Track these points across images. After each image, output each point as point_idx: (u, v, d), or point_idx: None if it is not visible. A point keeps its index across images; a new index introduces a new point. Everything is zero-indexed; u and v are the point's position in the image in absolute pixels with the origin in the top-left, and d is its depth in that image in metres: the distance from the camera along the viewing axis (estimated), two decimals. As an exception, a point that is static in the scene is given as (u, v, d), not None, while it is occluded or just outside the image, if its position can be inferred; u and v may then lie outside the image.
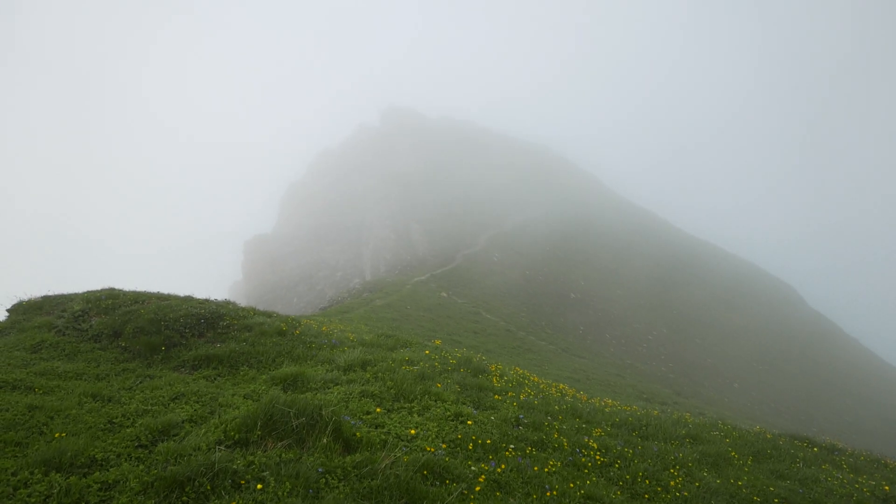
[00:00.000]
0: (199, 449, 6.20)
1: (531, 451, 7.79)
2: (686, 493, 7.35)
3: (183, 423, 7.24)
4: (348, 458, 6.37)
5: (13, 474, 5.49)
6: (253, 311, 13.81)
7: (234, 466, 5.77)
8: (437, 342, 16.58)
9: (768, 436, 11.38)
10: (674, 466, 8.27)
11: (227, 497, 5.36)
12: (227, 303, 14.31)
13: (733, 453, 9.50)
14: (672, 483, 7.59)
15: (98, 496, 5.32)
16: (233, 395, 8.67)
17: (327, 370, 10.30)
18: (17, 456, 5.98)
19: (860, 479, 9.23)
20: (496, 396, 10.15)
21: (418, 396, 9.09)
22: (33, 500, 5.17)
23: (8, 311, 12.59)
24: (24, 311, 12.40)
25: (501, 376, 12.23)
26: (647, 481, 7.53)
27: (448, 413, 8.58)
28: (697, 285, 71.61)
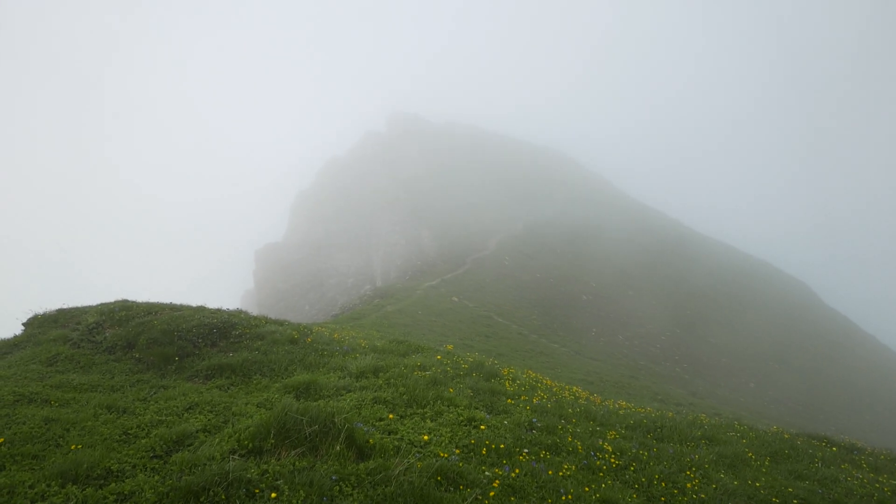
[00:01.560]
0: (213, 458, 6.23)
1: (545, 455, 7.75)
2: (703, 496, 7.28)
3: (197, 432, 7.29)
4: (362, 465, 6.37)
5: (30, 487, 5.54)
6: (265, 320, 13.88)
7: (248, 475, 5.79)
8: (449, 347, 16.56)
9: (786, 436, 11.25)
10: (690, 468, 8.20)
11: (241, 506, 5.38)
12: (238, 312, 14.39)
13: (750, 454, 9.40)
14: (689, 485, 7.52)
15: (114, 507, 5.35)
16: (246, 403, 8.71)
17: (339, 377, 10.33)
18: (34, 468, 6.04)
19: (881, 479, 9.09)
20: (509, 400, 10.11)
21: (431, 402, 9.08)
22: (50, 512, 5.21)
23: (24, 324, 12.74)
24: (39, 324, 12.54)
25: (514, 380, 12.19)
26: (663, 484, 7.46)
27: (461, 418, 8.56)
28: (711, 284, 71.04)
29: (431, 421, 8.39)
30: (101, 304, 13.67)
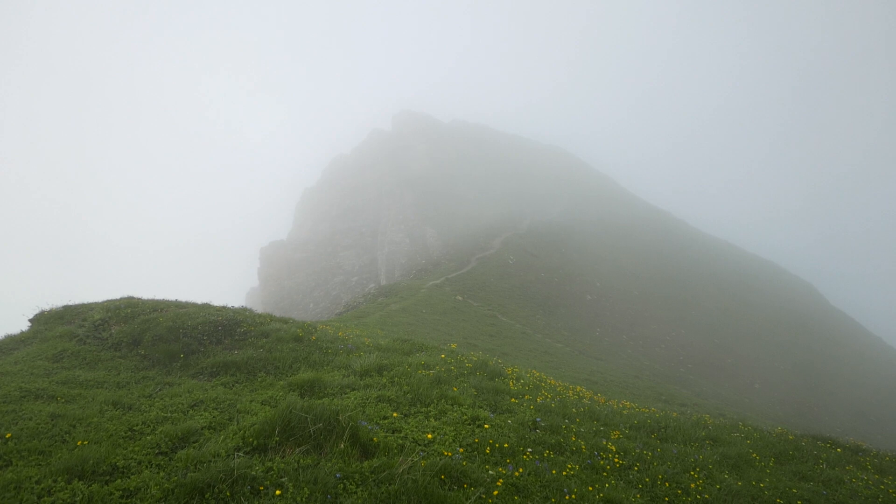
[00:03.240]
0: (218, 455, 6.25)
1: (549, 454, 7.75)
2: (707, 496, 7.27)
3: (202, 429, 7.31)
4: (366, 464, 6.38)
5: (37, 482, 5.58)
6: (269, 318, 13.91)
7: (253, 473, 5.81)
8: (453, 346, 16.56)
9: (790, 437, 11.22)
10: (694, 469, 8.19)
11: (246, 503, 5.40)
12: (243, 310, 14.42)
13: (755, 455, 9.38)
14: (692, 485, 7.51)
15: (120, 503, 5.38)
16: (251, 401, 8.74)
17: (344, 375, 10.35)
18: (40, 464, 6.08)
19: (886, 481, 9.06)
20: (513, 400, 10.11)
21: (435, 401, 9.09)
22: (57, 507, 5.25)
23: (30, 320, 12.80)
24: (45, 320, 12.60)
25: (518, 379, 12.19)
26: (666, 484, 7.45)
27: (465, 417, 8.57)
28: (715, 285, 70.83)
29: (435, 419, 8.40)
30: (107, 301, 13.71)
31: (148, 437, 6.94)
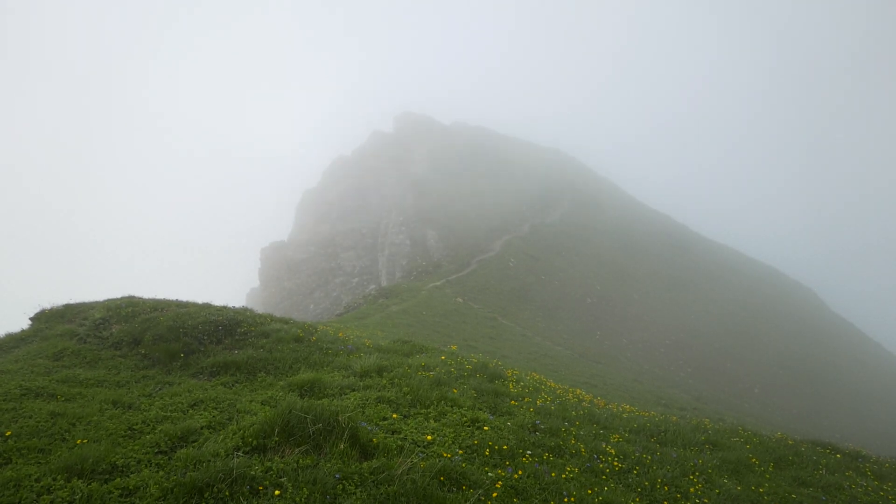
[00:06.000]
0: (217, 455, 6.26)
1: (548, 456, 7.75)
2: (706, 500, 7.27)
3: (202, 429, 7.32)
4: (365, 465, 6.38)
5: (36, 480, 5.58)
6: (270, 318, 13.92)
7: (252, 472, 5.82)
8: (453, 348, 16.56)
9: (790, 442, 11.21)
10: (693, 473, 8.18)
11: (245, 503, 5.41)
12: (244, 310, 14.43)
13: (754, 460, 9.37)
14: (691, 490, 7.51)
15: (119, 502, 5.39)
16: (250, 401, 8.74)
17: (344, 376, 10.35)
18: (40, 462, 6.08)
19: (885, 487, 9.05)
20: (512, 402, 10.11)
21: (434, 402, 9.09)
22: (56, 505, 5.25)
23: (31, 319, 12.81)
24: (46, 319, 12.61)
25: (518, 382, 12.19)
26: (665, 488, 7.45)
27: (464, 419, 8.57)
28: (716, 289, 70.78)
29: (435, 421, 8.40)
30: (108, 300, 13.73)
31: (147, 437, 6.95)
